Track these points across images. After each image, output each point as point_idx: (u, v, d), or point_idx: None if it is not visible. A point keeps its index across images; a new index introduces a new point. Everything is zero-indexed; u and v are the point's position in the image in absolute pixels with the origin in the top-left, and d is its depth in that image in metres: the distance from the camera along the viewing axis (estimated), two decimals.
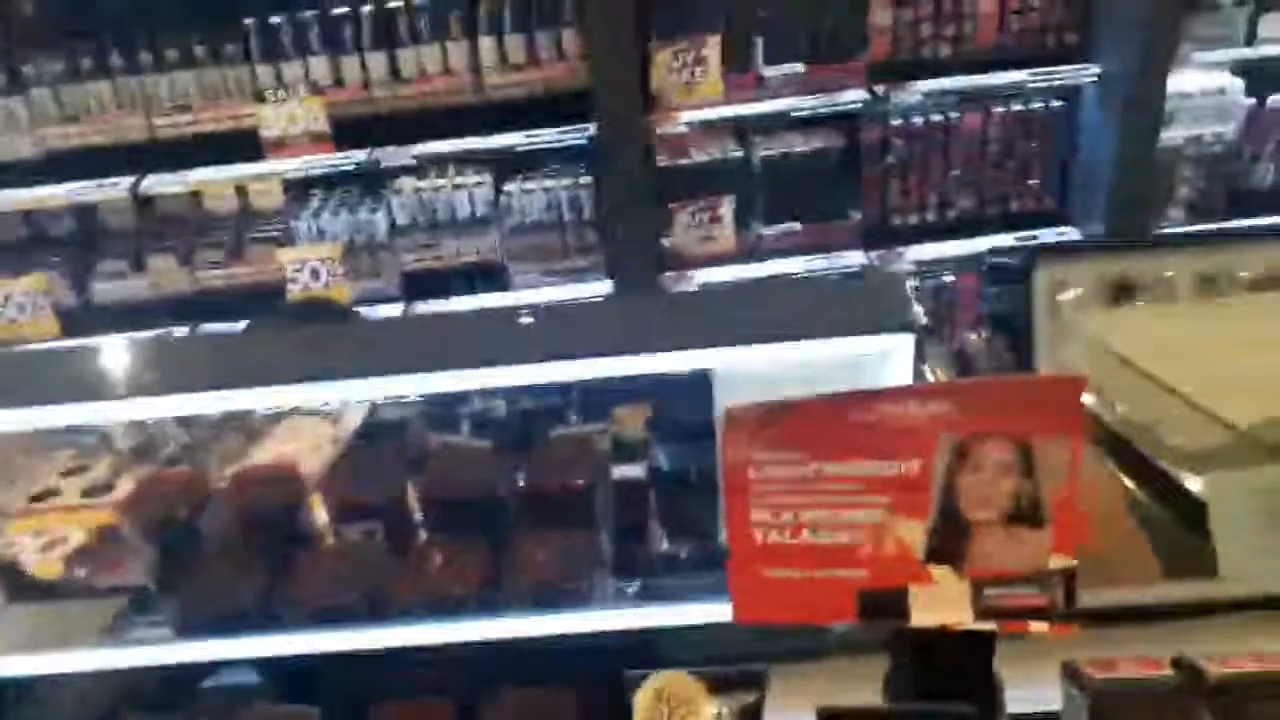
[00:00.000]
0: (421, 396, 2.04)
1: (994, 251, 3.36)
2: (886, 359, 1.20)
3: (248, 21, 3.97)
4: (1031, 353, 1.47)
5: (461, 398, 1.81)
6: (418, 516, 1.50)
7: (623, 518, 1.53)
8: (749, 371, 1.22)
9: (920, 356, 1.17)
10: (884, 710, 0.82)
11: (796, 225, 4.23)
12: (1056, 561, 0.81)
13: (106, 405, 1.39)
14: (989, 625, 0.83)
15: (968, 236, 4.22)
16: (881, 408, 0.79)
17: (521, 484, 1.47)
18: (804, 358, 1.19)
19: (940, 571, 0.83)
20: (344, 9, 3.96)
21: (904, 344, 1.18)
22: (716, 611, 1.33)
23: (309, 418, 2.22)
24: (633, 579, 1.47)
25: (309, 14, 3.96)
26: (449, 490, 1.46)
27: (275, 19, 3.97)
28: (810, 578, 0.84)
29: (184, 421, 1.89)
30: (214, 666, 1.53)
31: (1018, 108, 4.18)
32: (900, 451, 0.80)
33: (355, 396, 1.41)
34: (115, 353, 1.50)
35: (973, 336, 1.66)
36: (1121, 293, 1.85)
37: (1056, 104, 4.19)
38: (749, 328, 1.24)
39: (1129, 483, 1.55)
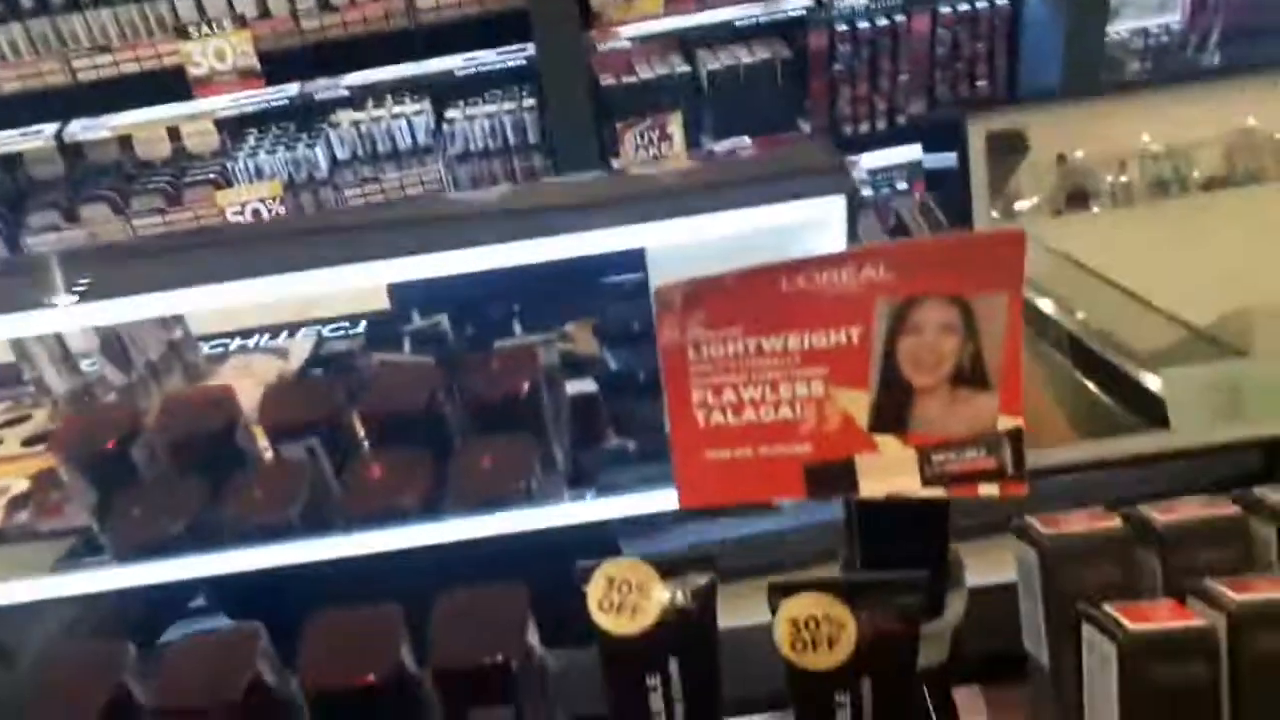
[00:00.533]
0: (364, 319, 2.01)
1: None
2: (820, 227, 1.17)
3: None
4: (969, 213, 1.46)
5: (404, 316, 1.77)
6: (360, 435, 1.47)
7: (578, 431, 1.51)
8: (683, 250, 1.19)
9: (854, 221, 1.14)
10: (836, 580, 0.80)
11: (746, 139, 4.16)
12: (1004, 422, 0.79)
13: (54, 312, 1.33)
14: (938, 492, 0.81)
15: (920, 141, 4.18)
16: (816, 276, 0.76)
17: (464, 394, 1.44)
18: (737, 230, 1.16)
19: (886, 440, 0.81)
20: None
21: (836, 208, 1.14)
22: (665, 499, 1.32)
23: (256, 355, 2.17)
24: (589, 487, 1.46)
25: None
26: (389, 405, 1.42)
27: None
28: (755, 456, 0.82)
29: (122, 365, 1.83)
30: (171, 617, 1.50)
31: (964, 7, 4.12)
32: (838, 320, 0.77)
33: (290, 290, 1.36)
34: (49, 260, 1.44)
35: (909, 205, 1.64)
36: (1077, 200, 1.84)
37: (1002, 1, 4.12)
38: (681, 201, 1.21)
39: (1092, 386, 1.57)
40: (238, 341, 2.28)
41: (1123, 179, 1.90)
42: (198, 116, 4.17)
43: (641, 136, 4.13)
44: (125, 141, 4.36)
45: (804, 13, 3.98)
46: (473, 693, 0.96)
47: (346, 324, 2.23)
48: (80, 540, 1.49)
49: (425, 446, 1.40)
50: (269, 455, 1.44)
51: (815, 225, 1.15)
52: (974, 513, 0.96)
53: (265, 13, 3.87)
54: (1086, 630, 0.73)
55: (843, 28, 4.12)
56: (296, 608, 1.08)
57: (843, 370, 0.79)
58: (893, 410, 0.80)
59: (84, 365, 1.84)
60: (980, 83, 4.25)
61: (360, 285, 1.46)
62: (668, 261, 1.25)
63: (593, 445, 1.53)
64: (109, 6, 3.86)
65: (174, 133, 4.35)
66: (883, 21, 4.14)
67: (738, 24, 3.97)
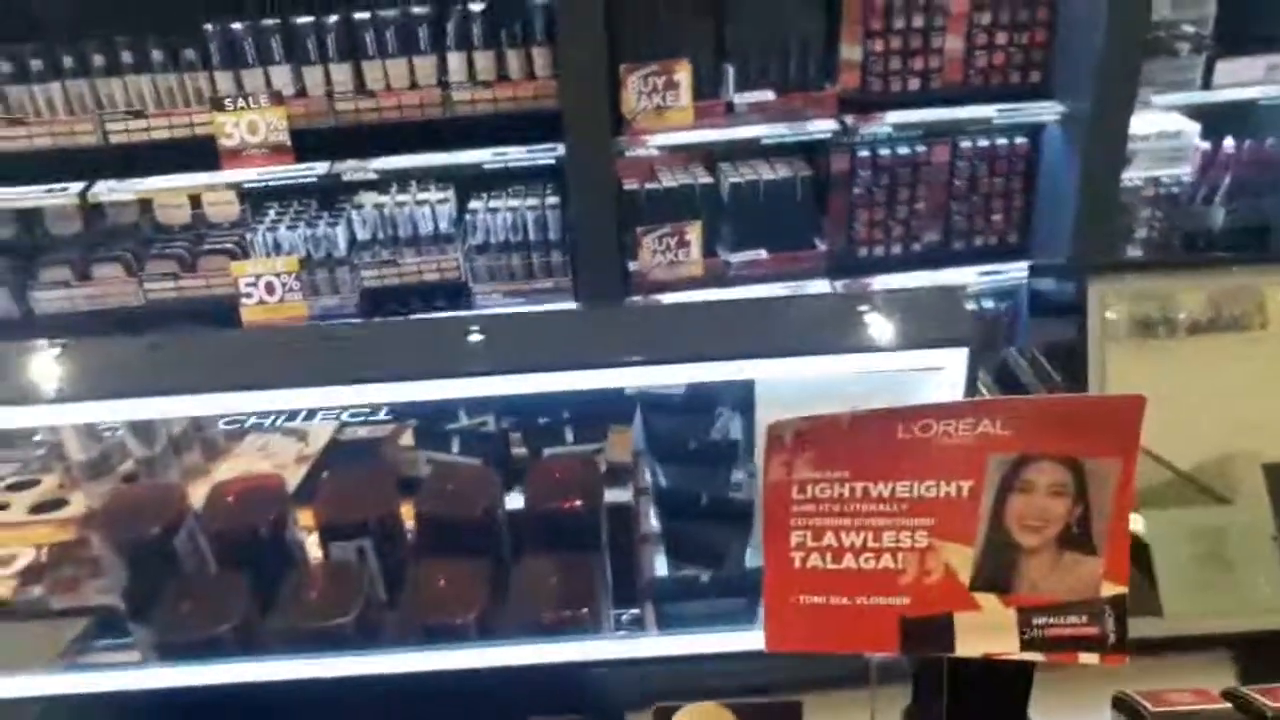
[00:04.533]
0: (394, 412, 1.98)
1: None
2: (936, 376, 1.16)
3: (208, 27, 3.87)
4: (1084, 375, 1.45)
5: (450, 415, 1.74)
6: (409, 535, 1.43)
7: (614, 543, 1.47)
8: (790, 385, 1.18)
9: (973, 374, 1.13)
10: None
11: (763, 253, 4.22)
12: (1107, 589, 0.77)
13: (64, 408, 1.30)
14: (1036, 656, 0.79)
15: (933, 269, 4.26)
16: (932, 424, 0.75)
17: (521, 503, 1.40)
18: (850, 373, 1.15)
19: (986, 599, 0.79)
20: (308, 19, 3.88)
21: (957, 359, 1.14)
22: (737, 640, 1.28)
23: (274, 435, 2.13)
24: (631, 606, 1.41)
25: (272, 22, 3.87)
26: (446, 508, 1.38)
27: (236, 25, 3.88)
28: (850, 605, 0.79)
29: (141, 437, 1.79)
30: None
31: (983, 143, 4.23)
32: (949, 472, 0.76)
33: (320, 403, 1.33)
34: (63, 354, 1.40)
35: (1016, 355, 1.64)
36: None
37: (1021, 140, 4.24)
38: (789, 339, 1.19)
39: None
40: (253, 420, 2.25)
41: (1110, 315, 1.92)
42: (222, 187, 4.20)
43: (660, 242, 4.18)
44: (146, 205, 4.38)
45: (829, 135, 4.07)
46: None
47: (368, 409, 2.21)
48: (98, 622, 1.42)
49: (480, 555, 1.36)
50: (318, 554, 1.40)
51: (932, 374, 1.15)
52: None
53: (301, 91, 3.94)
54: None
55: (864, 153, 4.22)
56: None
57: (949, 523, 0.78)
58: (996, 568, 0.78)
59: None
60: (995, 216, 4.34)
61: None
62: (776, 396, 1.24)
63: (630, 559, 1.49)
64: (149, 74, 3.92)
65: (195, 200, 4.38)
66: (904, 150, 4.24)
67: (764, 141, 4.06)
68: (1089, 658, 0.78)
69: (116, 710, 1.36)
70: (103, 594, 1.46)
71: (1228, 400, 1.61)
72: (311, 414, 2.22)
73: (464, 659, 1.27)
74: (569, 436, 1.68)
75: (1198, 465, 1.53)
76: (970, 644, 0.79)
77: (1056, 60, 4.07)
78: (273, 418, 2.25)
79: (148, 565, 1.34)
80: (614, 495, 1.55)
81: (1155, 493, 1.51)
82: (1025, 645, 0.79)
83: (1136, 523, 1.40)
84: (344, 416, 2.19)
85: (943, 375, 1.15)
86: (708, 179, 4.22)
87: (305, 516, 1.42)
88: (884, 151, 4.24)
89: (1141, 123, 4.10)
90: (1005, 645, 0.79)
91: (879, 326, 1.20)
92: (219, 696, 1.27)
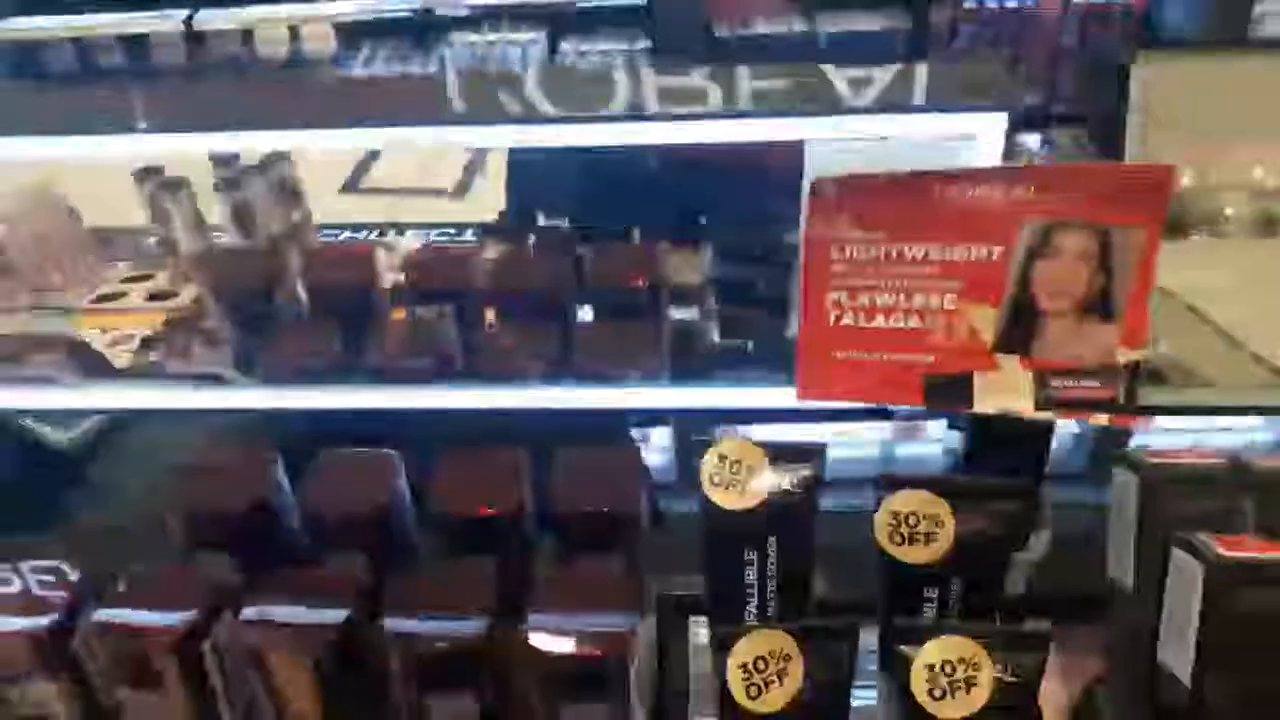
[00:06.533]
0: (478, 232, 2.12)
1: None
2: (978, 143, 1.20)
3: None
4: (1121, 148, 1.47)
5: (525, 220, 1.87)
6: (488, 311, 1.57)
7: (679, 353, 1.58)
8: (842, 155, 1.23)
9: (1011, 140, 1.16)
10: (943, 479, 0.84)
11: None
12: (1123, 355, 0.82)
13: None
14: (1048, 415, 0.84)
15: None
16: (968, 189, 0.79)
17: (589, 279, 1.53)
18: (896, 136, 1.20)
19: (1006, 360, 0.84)
20: None
21: (997, 125, 1.17)
22: (776, 395, 1.39)
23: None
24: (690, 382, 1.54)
25: None
26: (518, 281, 1.52)
27: None
28: (879, 361, 0.86)
29: (249, 236, 1.93)
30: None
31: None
32: (981, 235, 0.81)
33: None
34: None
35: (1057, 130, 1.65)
36: (1174, 229, 1.81)
37: None
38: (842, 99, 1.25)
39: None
40: (347, 234, 2.37)
41: (1228, 211, 1.87)
42: (318, 19, 4.25)
43: None
44: (247, 36, 4.47)
45: None
46: (588, 537, 1.04)
47: (453, 229, 2.31)
48: (211, 382, 1.59)
49: (548, 320, 1.50)
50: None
51: (974, 140, 1.18)
52: None
53: None
54: (1176, 554, 0.77)
55: (970, 5, 4.05)
56: (412, 441, 1.19)
57: (977, 286, 0.83)
58: (1018, 331, 0.83)
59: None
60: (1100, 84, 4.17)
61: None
62: (825, 163, 1.30)
63: (695, 367, 1.60)
64: None
65: (294, 33, 4.45)
66: (1012, 3, 4.06)
67: None
68: (1100, 418, 0.84)
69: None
70: (210, 362, 1.62)
71: None
72: (402, 231, 2.33)
73: (531, 399, 1.41)
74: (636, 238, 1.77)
75: None
76: (988, 402, 0.85)
77: None
78: (364, 233, 2.37)
79: (255, 319, 1.51)
80: (680, 313, 1.66)
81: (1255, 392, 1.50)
82: (1040, 405, 0.84)
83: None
84: (432, 235, 2.30)
85: (983, 142, 1.18)
86: (803, 26, 4.12)
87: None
88: (990, 3, 4.06)
89: None
90: (1021, 404, 0.85)
91: (922, 92, 1.23)
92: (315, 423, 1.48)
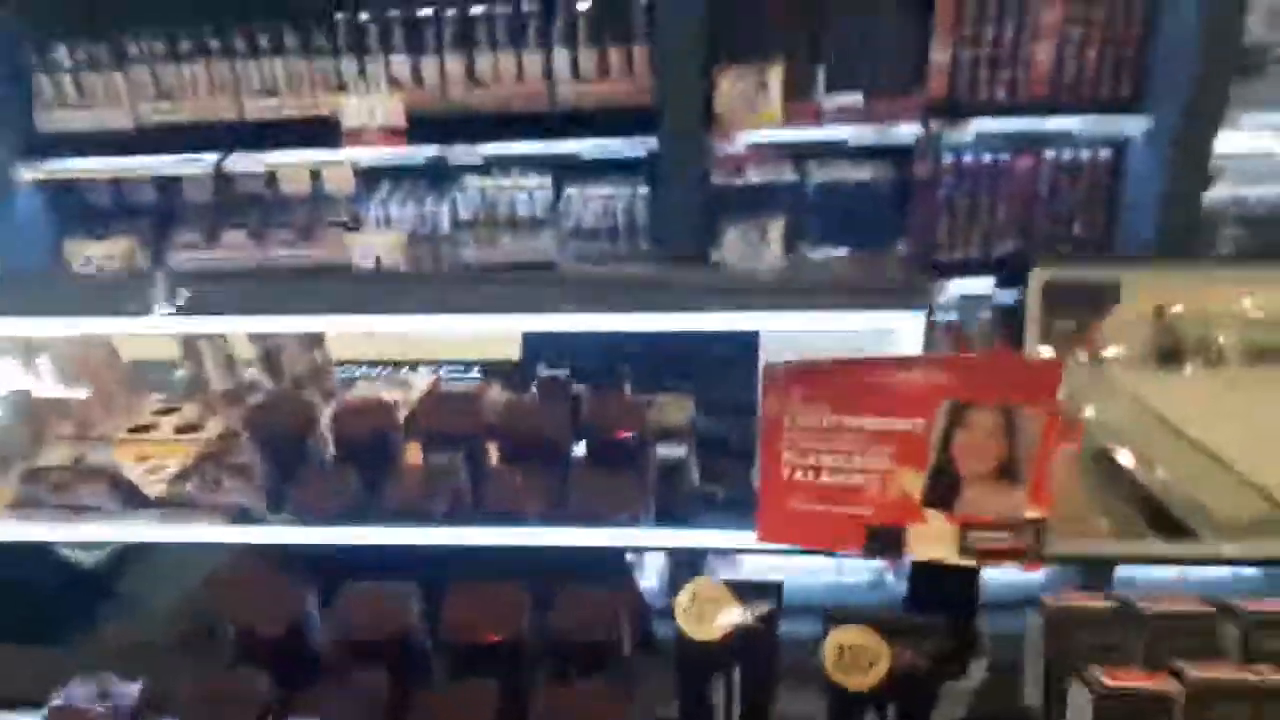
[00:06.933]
0: (484, 371, 2.29)
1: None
2: (902, 335, 1.36)
3: (338, 17, 4.21)
4: (1023, 339, 1.63)
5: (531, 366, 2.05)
6: (492, 451, 1.73)
7: (665, 488, 1.74)
8: (791, 340, 1.40)
9: (930, 333, 1.33)
10: (882, 615, 0.98)
11: (843, 251, 4.38)
12: (1031, 513, 0.97)
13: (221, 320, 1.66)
14: (970, 562, 0.99)
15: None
16: (893, 373, 0.96)
17: (586, 428, 1.69)
18: (834, 328, 1.37)
19: (933, 515, 0.99)
20: (427, 11, 4.19)
21: (917, 322, 1.34)
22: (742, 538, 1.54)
23: (380, 384, 2.43)
24: (673, 524, 1.69)
25: (394, 14, 4.19)
26: (522, 426, 1.69)
27: (363, 16, 4.21)
28: (826, 511, 1.01)
29: (275, 376, 2.10)
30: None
31: (1068, 154, 4.31)
32: (907, 411, 0.97)
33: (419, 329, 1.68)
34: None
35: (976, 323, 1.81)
36: (1170, 357, 1.87)
37: (1105, 153, 4.31)
38: (788, 297, 1.43)
39: (1165, 549, 1.56)
40: (363, 370, 2.55)
41: (1220, 340, 1.95)
42: (340, 164, 4.55)
43: (743, 235, 4.38)
44: (271, 177, 4.77)
45: (914, 141, 4.21)
46: (581, 664, 1.17)
47: (462, 367, 2.49)
48: (239, 515, 1.74)
49: (547, 467, 1.65)
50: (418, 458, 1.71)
51: (900, 333, 1.35)
52: None
53: (419, 80, 4.25)
54: (1073, 685, 0.90)
55: (949, 159, 4.34)
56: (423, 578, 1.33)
57: (906, 453, 0.99)
58: (941, 491, 0.99)
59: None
60: (1076, 228, 4.42)
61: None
62: (775, 344, 1.47)
63: (678, 499, 1.75)
64: (282, 57, 4.28)
65: (315, 175, 4.75)
66: (988, 158, 4.35)
67: (850, 143, 4.22)
68: (1013, 565, 0.98)
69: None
70: (240, 493, 1.77)
71: None
72: (414, 367, 2.52)
73: (530, 537, 1.56)
74: (628, 389, 1.95)
75: None
76: (918, 550, 1.00)
77: (1146, 75, 4.12)
78: (378, 370, 2.55)
79: (289, 462, 1.67)
80: (667, 450, 1.82)
81: (1252, 521, 1.52)
82: (962, 554, 0.99)
83: (1230, 551, 1.44)
84: (442, 371, 2.48)
85: (907, 335, 1.34)
86: (793, 176, 4.40)
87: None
88: (968, 158, 4.35)
89: (1229, 141, 4.13)
90: (946, 553, 0.99)
91: (857, 292, 1.42)
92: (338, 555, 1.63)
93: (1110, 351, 1.85)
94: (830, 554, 1.15)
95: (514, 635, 1.23)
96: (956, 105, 4.18)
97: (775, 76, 4.08)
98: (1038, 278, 1.61)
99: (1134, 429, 1.72)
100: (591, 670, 1.18)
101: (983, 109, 4.17)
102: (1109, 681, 0.87)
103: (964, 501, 0.98)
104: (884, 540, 1.00)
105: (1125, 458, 1.70)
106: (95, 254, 4.54)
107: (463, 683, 1.22)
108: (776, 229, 4.35)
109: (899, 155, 4.37)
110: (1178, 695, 0.86)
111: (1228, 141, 4.12)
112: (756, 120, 4.16)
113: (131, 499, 1.83)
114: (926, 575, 1.04)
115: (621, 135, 4.18)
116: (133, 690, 1.27)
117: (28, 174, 4.43)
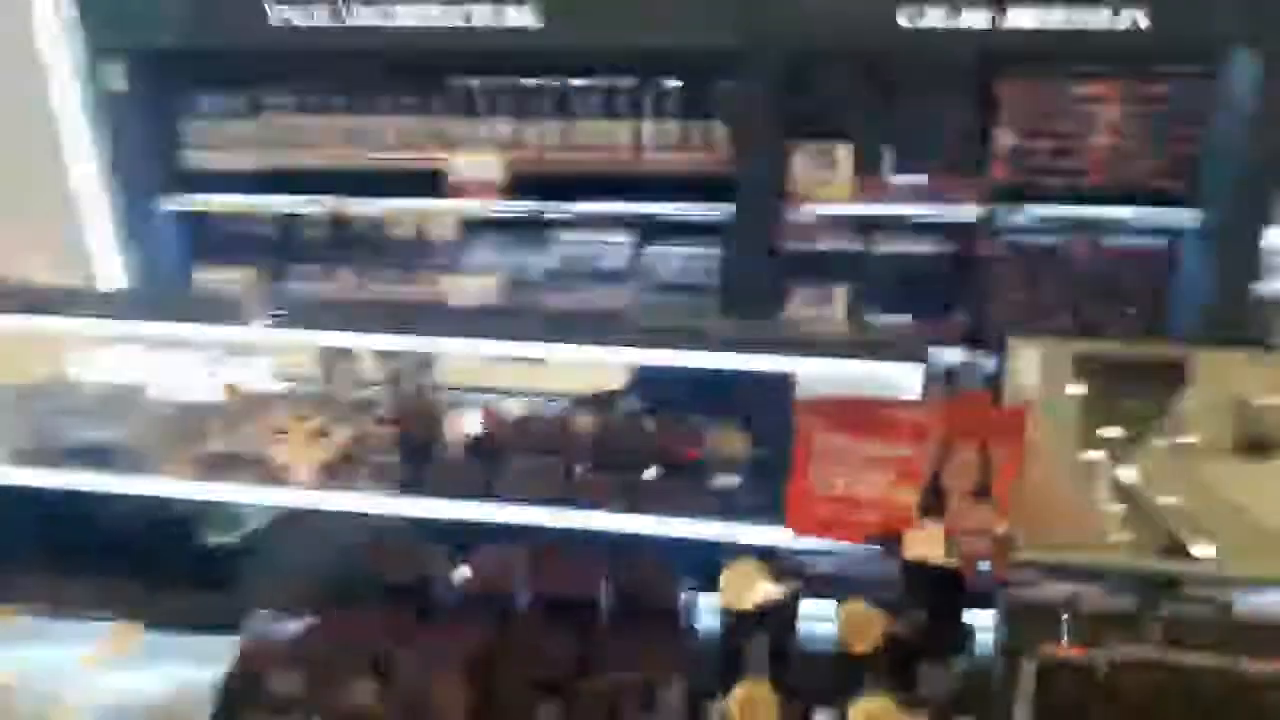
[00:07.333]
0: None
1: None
2: (903, 381, 1.65)
3: (451, 82, 4.66)
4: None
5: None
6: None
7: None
8: (823, 380, 1.71)
9: (926, 383, 1.62)
10: (884, 596, 1.28)
11: (907, 318, 4.62)
12: (998, 526, 1.26)
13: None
14: (954, 561, 1.28)
15: None
16: (896, 411, 1.26)
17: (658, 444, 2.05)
18: (854, 373, 1.67)
19: (927, 523, 1.29)
20: (532, 81, 4.62)
21: (917, 372, 1.63)
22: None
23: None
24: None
25: (503, 82, 4.63)
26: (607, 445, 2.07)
27: (474, 81, 4.65)
28: (842, 515, 1.31)
29: (390, 388, 2.49)
30: None
31: (1122, 241, 4.51)
32: (906, 440, 1.27)
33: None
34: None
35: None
36: (1256, 448, 1.76)
37: (1159, 243, 4.50)
38: (819, 347, 1.75)
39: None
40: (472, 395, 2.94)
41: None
42: (444, 213, 4.99)
43: (809, 299, 4.67)
44: (381, 221, 5.22)
45: (974, 219, 4.47)
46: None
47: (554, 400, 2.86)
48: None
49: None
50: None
51: (902, 380, 1.64)
52: None
53: (520, 142, 4.67)
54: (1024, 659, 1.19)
55: (1007, 239, 4.58)
56: None
57: (905, 474, 1.29)
58: (932, 504, 1.29)
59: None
60: (1129, 310, 4.61)
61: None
62: (809, 381, 1.80)
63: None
64: (399, 115, 4.75)
65: (421, 221, 5.19)
66: (1046, 240, 4.58)
67: (914, 219, 4.50)
68: (985, 565, 1.27)
69: None
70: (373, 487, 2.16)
71: None
72: (510, 395, 2.89)
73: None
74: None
75: None
76: (914, 550, 1.30)
77: (1196, 170, 4.33)
78: (478, 395, 2.93)
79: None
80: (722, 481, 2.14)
81: None
82: (948, 555, 1.28)
83: None
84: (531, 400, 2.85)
85: (907, 381, 1.63)
86: (859, 246, 4.69)
87: None
88: (1027, 240, 4.59)
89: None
90: (936, 553, 1.29)
91: (874, 347, 1.71)
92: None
93: (1187, 439, 1.75)
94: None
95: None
96: (1016, 190, 4.43)
97: (845, 155, 4.40)
98: (1018, 351, 1.84)
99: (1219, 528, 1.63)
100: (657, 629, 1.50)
101: (1041, 195, 4.40)
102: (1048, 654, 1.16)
103: (949, 514, 1.28)
104: (887, 540, 1.30)
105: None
106: (220, 279, 5.03)
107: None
108: (841, 295, 4.63)
109: (959, 231, 4.62)
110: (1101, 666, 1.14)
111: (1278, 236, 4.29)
112: (826, 194, 4.47)
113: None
114: (918, 571, 1.33)
115: (700, 200, 4.52)
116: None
117: (168, 205, 4.93)
